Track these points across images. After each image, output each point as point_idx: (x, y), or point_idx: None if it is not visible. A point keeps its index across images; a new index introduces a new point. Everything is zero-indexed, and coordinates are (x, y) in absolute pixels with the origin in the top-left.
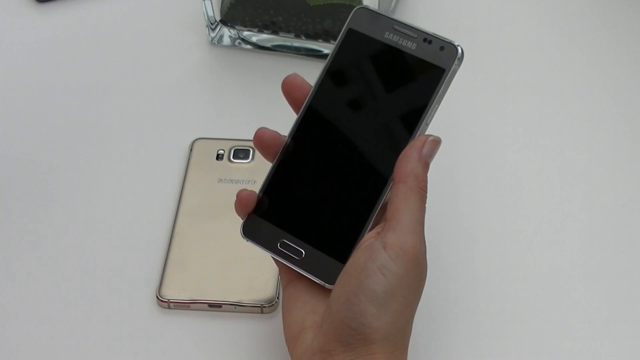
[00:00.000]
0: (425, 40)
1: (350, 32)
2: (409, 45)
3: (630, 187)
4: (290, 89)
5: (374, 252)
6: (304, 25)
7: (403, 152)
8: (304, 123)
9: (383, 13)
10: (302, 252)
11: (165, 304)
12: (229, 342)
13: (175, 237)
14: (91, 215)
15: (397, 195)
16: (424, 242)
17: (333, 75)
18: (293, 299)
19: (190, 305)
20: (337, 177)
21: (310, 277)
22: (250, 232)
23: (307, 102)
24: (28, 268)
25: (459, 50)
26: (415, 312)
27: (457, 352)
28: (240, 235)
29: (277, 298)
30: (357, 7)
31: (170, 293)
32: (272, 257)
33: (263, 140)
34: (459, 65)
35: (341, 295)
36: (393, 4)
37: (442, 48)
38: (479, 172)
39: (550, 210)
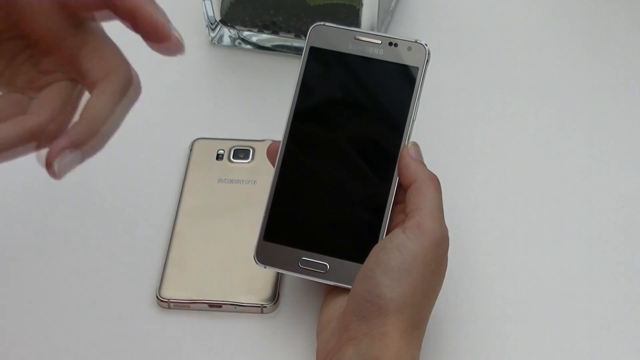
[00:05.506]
0: (390, 44)
1: (313, 50)
2: (376, 52)
3: (629, 188)
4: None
5: (393, 234)
6: (304, 25)
7: (399, 164)
8: (293, 143)
9: (341, 26)
10: (327, 265)
11: (165, 304)
12: (229, 342)
13: (175, 237)
14: (91, 214)
15: (412, 192)
16: (444, 225)
17: (309, 94)
18: (332, 303)
19: (190, 305)
20: (340, 187)
21: (339, 285)
22: (264, 258)
23: (288, 124)
24: (28, 268)
25: (426, 48)
26: (435, 296)
27: (458, 352)
28: (255, 263)
29: (277, 298)
30: (314, 24)
31: (170, 293)
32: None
33: (276, 153)
34: (429, 61)
35: (360, 274)
36: (393, 4)
37: (409, 48)
38: (478, 173)
39: (550, 210)
